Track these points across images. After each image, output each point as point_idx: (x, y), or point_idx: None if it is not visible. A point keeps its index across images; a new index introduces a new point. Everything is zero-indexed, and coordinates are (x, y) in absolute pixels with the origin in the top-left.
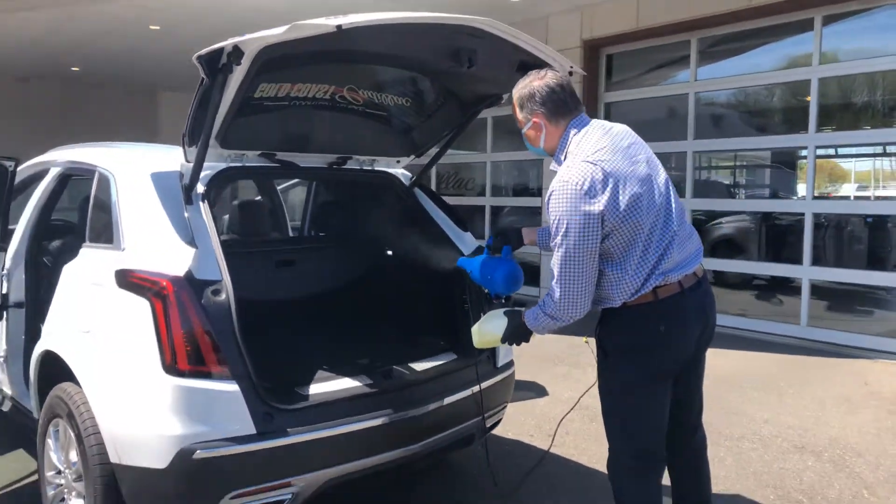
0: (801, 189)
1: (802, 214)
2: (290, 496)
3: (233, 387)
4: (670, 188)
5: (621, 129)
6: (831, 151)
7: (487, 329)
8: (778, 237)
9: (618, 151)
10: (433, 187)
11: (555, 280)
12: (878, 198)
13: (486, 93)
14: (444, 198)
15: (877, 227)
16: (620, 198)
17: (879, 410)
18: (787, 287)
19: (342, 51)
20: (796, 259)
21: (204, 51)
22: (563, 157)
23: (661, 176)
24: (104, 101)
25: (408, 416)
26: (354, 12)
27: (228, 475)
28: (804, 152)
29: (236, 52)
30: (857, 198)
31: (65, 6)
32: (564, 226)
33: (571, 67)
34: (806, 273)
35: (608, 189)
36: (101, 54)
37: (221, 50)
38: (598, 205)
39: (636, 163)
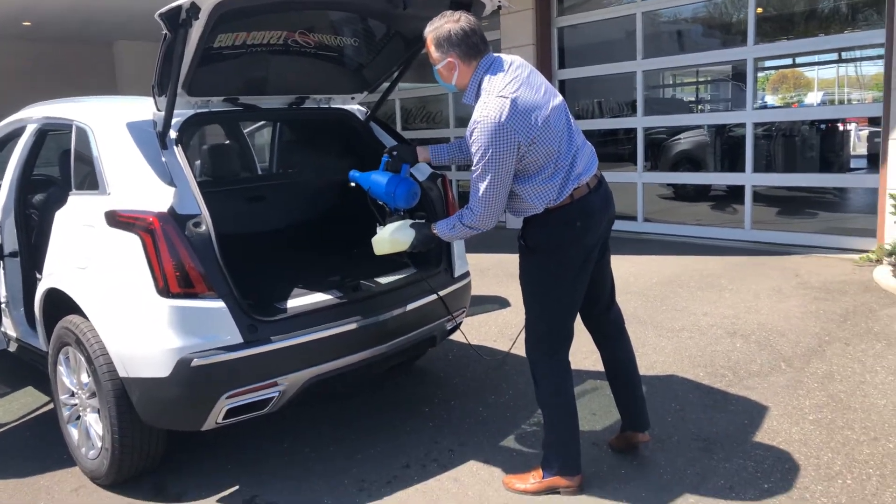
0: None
1: (743, 125)
2: (277, 393)
3: (219, 304)
4: (566, 109)
5: (519, 62)
6: (788, 62)
7: (396, 237)
8: (728, 149)
9: (523, 83)
10: (400, 122)
11: (477, 198)
12: (823, 104)
13: None
14: (413, 131)
15: (813, 133)
16: (531, 123)
17: (806, 298)
18: (737, 195)
19: (292, 0)
20: (741, 168)
21: (164, 9)
22: (474, 94)
23: (558, 99)
24: (62, 55)
25: (374, 321)
26: None
27: (222, 378)
28: (761, 64)
29: (194, 9)
30: (798, 105)
31: None
32: (489, 154)
33: (499, 2)
34: (749, 180)
35: (520, 120)
36: (52, 8)
37: (180, 7)
38: (514, 132)
39: (538, 91)
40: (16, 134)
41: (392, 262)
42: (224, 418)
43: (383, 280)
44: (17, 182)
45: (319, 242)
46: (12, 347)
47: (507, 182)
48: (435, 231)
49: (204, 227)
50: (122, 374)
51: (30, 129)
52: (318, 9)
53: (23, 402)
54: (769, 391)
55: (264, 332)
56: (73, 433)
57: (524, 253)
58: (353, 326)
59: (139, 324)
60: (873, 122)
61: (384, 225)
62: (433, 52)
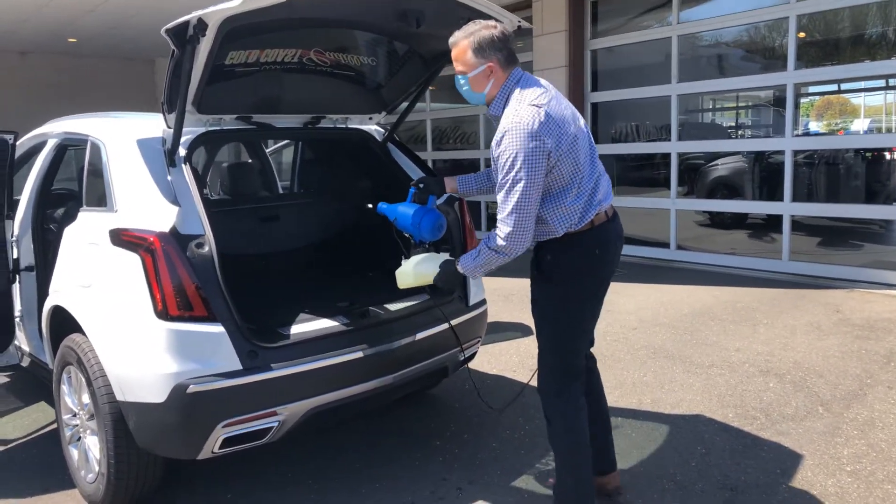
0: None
1: (782, 152)
2: (276, 423)
3: (219, 328)
4: (590, 134)
5: (547, 83)
6: (833, 87)
7: (420, 270)
8: (767, 177)
9: (553, 98)
10: (431, 142)
11: (505, 214)
12: (870, 131)
13: (445, 49)
14: (445, 152)
15: (858, 162)
16: (562, 136)
17: (847, 336)
18: (776, 225)
19: (302, 18)
20: (780, 197)
21: (171, 24)
22: (502, 105)
23: (582, 122)
24: (103, 71)
25: (381, 350)
26: None
27: (219, 406)
28: (805, 90)
29: (201, 25)
30: (843, 133)
31: None
32: (519, 161)
33: (520, 22)
34: (787, 209)
35: (552, 128)
36: (95, 25)
37: (187, 23)
38: (546, 138)
39: (566, 109)
40: (38, 148)
41: (405, 289)
42: (221, 447)
43: (393, 307)
44: (35, 196)
45: (332, 265)
46: (25, 362)
47: (537, 197)
48: (459, 266)
49: (207, 248)
50: (119, 397)
51: (50, 144)
52: (336, 27)
53: (33, 419)
54: (804, 437)
55: (265, 358)
56: (74, 454)
57: (538, 281)
58: (359, 355)
59: (137, 346)
60: None
61: (408, 257)
62: (470, 58)
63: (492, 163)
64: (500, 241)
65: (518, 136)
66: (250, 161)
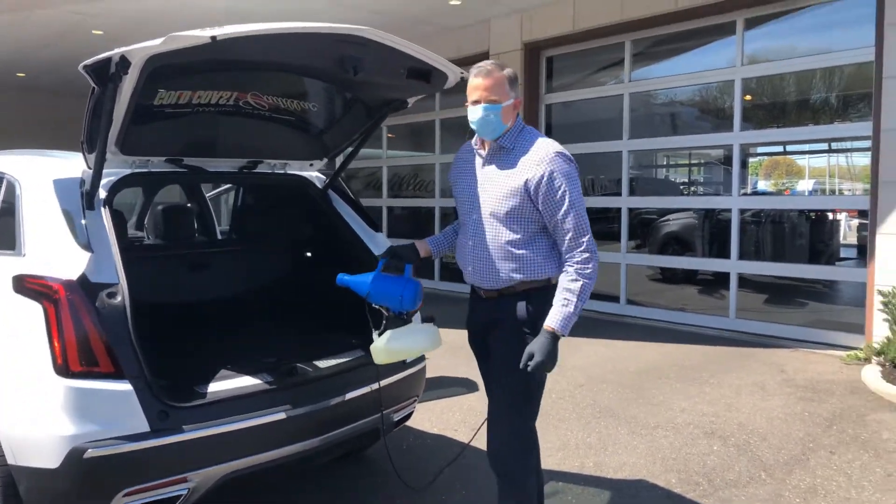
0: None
1: (730, 210)
2: (185, 491)
3: (125, 386)
4: None
5: None
6: (779, 149)
7: (405, 346)
8: (716, 233)
9: None
10: (386, 189)
11: (583, 237)
12: (815, 192)
13: (388, 97)
14: (400, 200)
15: (803, 221)
16: None
17: (790, 397)
18: (724, 282)
19: (234, 60)
20: (728, 254)
21: (90, 60)
22: (515, 137)
23: None
24: (57, 107)
25: (307, 411)
26: (293, 18)
27: (121, 473)
28: (755, 149)
29: (123, 62)
30: (790, 192)
31: (3, 13)
32: (574, 185)
33: (462, 73)
34: (734, 267)
35: None
36: (46, 60)
37: (109, 60)
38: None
39: None
40: None
41: (338, 344)
42: None
43: (323, 364)
44: None
45: (263, 317)
46: None
47: None
48: (556, 329)
49: (119, 299)
50: (10, 460)
51: None
52: (274, 70)
53: None
54: None
55: (176, 419)
56: None
57: (518, 332)
58: (281, 416)
59: (31, 404)
60: (862, 214)
61: (380, 330)
62: (507, 89)
63: (508, 194)
64: (591, 265)
65: (566, 162)
66: (188, 205)
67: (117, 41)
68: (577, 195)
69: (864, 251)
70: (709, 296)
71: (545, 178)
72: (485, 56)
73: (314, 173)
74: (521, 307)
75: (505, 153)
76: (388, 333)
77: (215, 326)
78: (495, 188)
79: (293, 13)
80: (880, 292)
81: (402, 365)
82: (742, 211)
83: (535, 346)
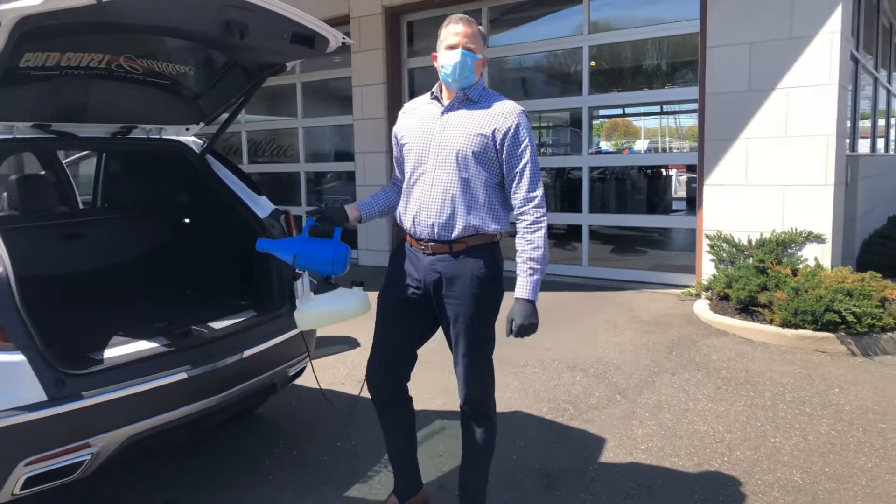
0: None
1: (581, 168)
2: (89, 456)
3: (18, 357)
4: None
5: None
6: (618, 111)
7: (334, 310)
8: (568, 191)
9: None
10: (246, 156)
11: (536, 183)
12: (649, 151)
13: (269, 61)
14: (261, 165)
15: (641, 178)
16: None
17: (637, 331)
18: (576, 234)
19: (113, 23)
20: (579, 209)
21: None
22: (480, 91)
23: None
24: None
25: (205, 370)
26: None
27: (20, 442)
28: (597, 112)
29: None
30: (628, 152)
31: None
32: (533, 146)
33: (344, 39)
34: (585, 220)
35: None
36: None
37: None
38: None
39: None
40: None
41: (229, 306)
42: (23, 488)
43: (218, 325)
44: None
45: (149, 283)
46: None
47: None
48: (527, 297)
49: (1, 269)
50: None
51: None
52: (153, 34)
53: None
54: (606, 423)
55: (74, 386)
56: None
57: (482, 288)
58: (180, 377)
59: None
60: (691, 168)
61: (301, 296)
62: (481, 44)
63: (475, 142)
64: (542, 209)
65: (527, 119)
66: (42, 173)
67: None
68: (535, 153)
69: (693, 202)
70: (562, 248)
71: (511, 130)
72: (345, 19)
73: (191, 138)
74: (477, 265)
75: (470, 104)
76: (315, 298)
77: (100, 297)
78: (461, 130)
79: None
80: (707, 236)
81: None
82: (591, 169)
83: (515, 313)
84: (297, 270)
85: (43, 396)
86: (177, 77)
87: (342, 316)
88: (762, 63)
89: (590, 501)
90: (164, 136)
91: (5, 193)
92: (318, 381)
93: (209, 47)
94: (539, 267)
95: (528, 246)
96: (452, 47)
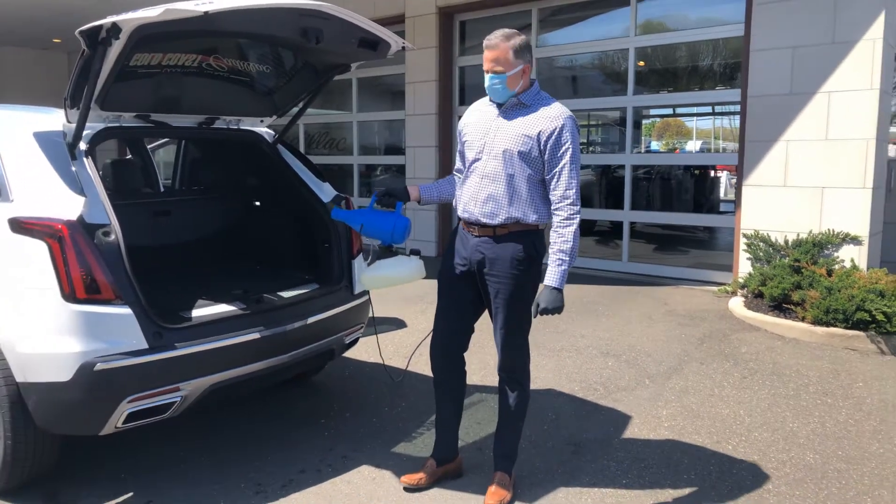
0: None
1: (624, 166)
2: (178, 398)
3: (126, 310)
4: None
5: None
6: (666, 111)
7: (393, 274)
8: (612, 189)
9: None
10: (303, 147)
11: (574, 183)
12: (702, 151)
13: (336, 63)
14: (316, 157)
15: (688, 177)
16: None
17: (671, 324)
18: (618, 231)
19: (211, 29)
20: (622, 206)
21: (86, 26)
22: (534, 96)
23: None
24: None
25: (275, 332)
26: None
27: (125, 383)
28: (649, 111)
29: (115, 29)
30: (679, 151)
31: None
32: (577, 148)
33: (404, 44)
34: (626, 216)
35: None
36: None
37: (101, 27)
38: None
39: None
40: None
41: (295, 279)
42: (124, 422)
43: (286, 294)
44: None
45: (221, 258)
46: None
47: None
48: (554, 285)
49: (113, 237)
50: (19, 378)
51: None
52: (239, 38)
53: None
54: (633, 403)
55: (169, 338)
56: None
57: (523, 270)
58: (255, 336)
59: (43, 328)
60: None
61: (369, 260)
62: (511, 59)
63: (521, 145)
64: (576, 207)
65: (574, 124)
66: (133, 157)
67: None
68: (577, 155)
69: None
70: (604, 245)
71: (556, 132)
72: (400, 18)
73: (264, 129)
74: (517, 249)
75: (523, 108)
76: (377, 262)
77: (182, 266)
78: (511, 133)
79: None
80: (745, 235)
81: (352, 295)
82: (635, 168)
83: (542, 298)
84: (355, 250)
85: (144, 345)
86: (255, 75)
87: (400, 280)
88: (804, 67)
89: (612, 468)
90: (241, 127)
91: (111, 175)
92: (380, 347)
93: (286, 49)
94: (567, 258)
95: (560, 239)
96: (486, 72)
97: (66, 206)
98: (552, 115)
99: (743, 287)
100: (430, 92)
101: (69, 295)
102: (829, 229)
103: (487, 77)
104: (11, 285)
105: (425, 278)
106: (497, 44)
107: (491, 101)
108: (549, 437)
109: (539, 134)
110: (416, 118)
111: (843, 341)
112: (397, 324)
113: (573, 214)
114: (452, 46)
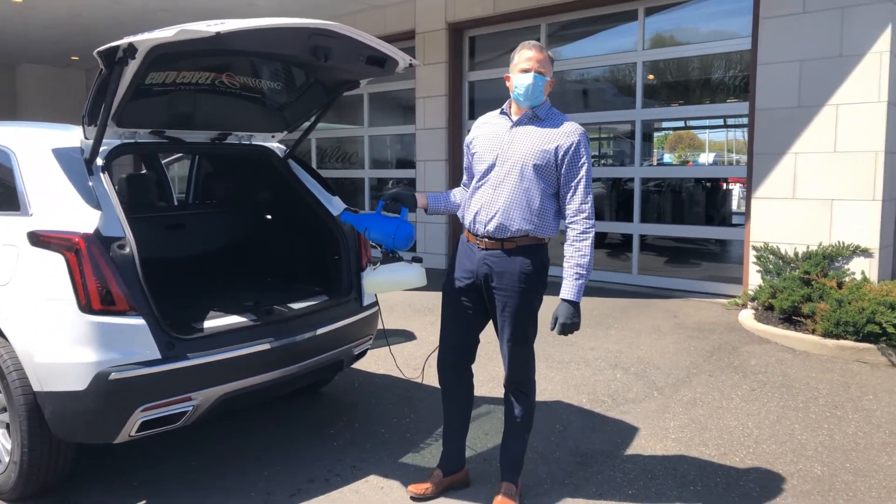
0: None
1: (633, 179)
2: (191, 408)
3: (140, 321)
4: None
5: None
6: (676, 124)
7: (393, 279)
8: (623, 201)
9: None
10: (315, 161)
11: (588, 197)
12: (714, 164)
13: (345, 79)
14: (328, 171)
15: (699, 190)
16: None
17: (681, 336)
18: (628, 244)
19: (223, 48)
20: (631, 218)
21: (103, 47)
22: (547, 111)
23: None
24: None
25: (285, 343)
26: (230, 16)
27: (138, 392)
28: (660, 124)
29: (131, 49)
30: (692, 164)
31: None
32: (590, 164)
33: (411, 61)
34: (636, 229)
35: None
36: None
37: (118, 47)
38: None
39: None
40: None
41: (305, 290)
42: (138, 431)
43: (296, 305)
44: None
45: (237, 270)
46: None
47: None
48: (571, 298)
49: (128, 250)
50: (35, 388)
51: None
52: (250, 56)
53: None
54: (641, 415)
55: (181, 349)
56: None
57: (530, 283)
58: (265, 347)
59: (59, 338)
60: None
61: (374, 266)
62: (549, 67)
63: (539, 159)
64: (591, 220)
65: (587, 138)
66: (147, 172)
67: (34, 10)
68: (590, 169)
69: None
70: (615, 257)
71: (573, 147)
72: (410, 34)
73: (276, 144)
74: (525, 263)
75: (537, 122)
76: (380, 267)
77: (194, 278)
78: (526, 146)
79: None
80: (754, 248)
81: (361, 307)
82: (644, 180)
83: (559, 312)
84: (364, 262)
85: (158, 355)
86: (266, 91)
87: (400, 285)
88: (812, 80)
89: (618, 479)
90: (253, 143)
91: (126, 189)
92: (392, 352)
93: (296, 67)
94: (584, 272)
95: (576, 253)
96: (526, 70)
97: (83, 219)
98: (569, 130)
99: (753, 299)
100: (441, 106)
101: (85, 306)
102: (839, 241)
103: (528, 76)
104: (29, 297)
105: (431, 290)
106: (540, 48)
107: (502, 113)
108: (557, 448)
109: (557, 148)
110: (427, 132)
111: (853, 354)
112: (406, 336)
113: (589, 228)
114: (462, 62)
